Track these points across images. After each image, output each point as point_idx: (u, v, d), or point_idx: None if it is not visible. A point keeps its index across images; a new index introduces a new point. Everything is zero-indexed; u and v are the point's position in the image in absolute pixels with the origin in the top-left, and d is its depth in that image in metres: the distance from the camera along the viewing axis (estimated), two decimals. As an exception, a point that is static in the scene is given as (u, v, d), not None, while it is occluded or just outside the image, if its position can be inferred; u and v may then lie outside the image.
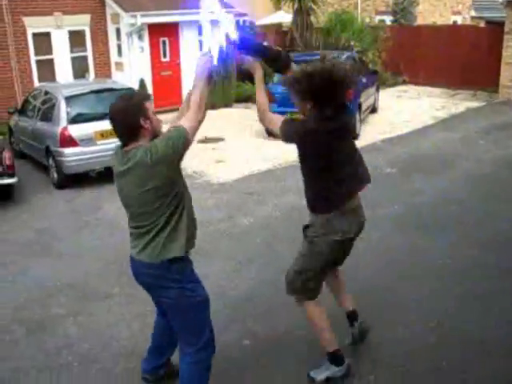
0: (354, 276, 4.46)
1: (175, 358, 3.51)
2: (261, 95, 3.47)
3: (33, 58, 13.37)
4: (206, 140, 11.10)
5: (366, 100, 12.11)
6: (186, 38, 14.55)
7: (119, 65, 14.30)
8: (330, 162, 3.34)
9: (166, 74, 14.51)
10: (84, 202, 8.00)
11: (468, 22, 25.25)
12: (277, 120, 3.45)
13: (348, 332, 3.93)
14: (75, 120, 8.52)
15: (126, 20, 13.36)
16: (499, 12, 17.42)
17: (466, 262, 5.38)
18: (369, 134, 11.52)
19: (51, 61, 13.64)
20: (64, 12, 13.44)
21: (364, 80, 12.22)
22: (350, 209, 3.44)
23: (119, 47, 14.17)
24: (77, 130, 8.39)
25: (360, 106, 11.34)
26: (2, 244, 6.54)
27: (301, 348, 4.03)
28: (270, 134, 11.57)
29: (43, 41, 13.41)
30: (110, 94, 8.61)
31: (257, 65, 3.44)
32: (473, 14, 25.71)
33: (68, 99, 8.67)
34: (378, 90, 14.23)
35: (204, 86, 3.11)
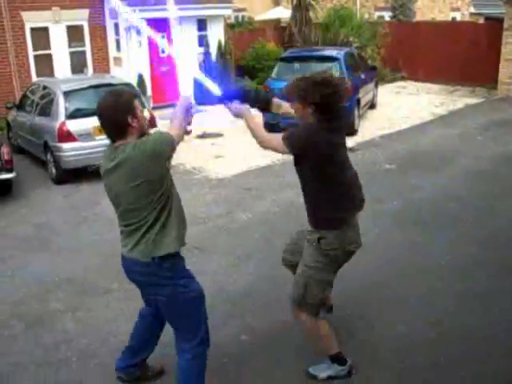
0: (353, 273, 4.46)
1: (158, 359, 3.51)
2: (255, 129, 3.45)
3: (31, 53, 13.32)
4: (204, 135, 11.10)
5: (364, 96, 12.10)
6: (185, 33, 14.50)
7: (118, 60, 14.26)
8: (336, 165, 3.37)
9: (165, 69, 14.48)
10: (82, 197, 7.99)
11: (467, 18, 25.22)
12: (276, 136, 3.42)
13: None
14: (73, 115, 8.49)
15: (125, 15, 13.31)
16: (498, 8, 17.40)
17: (466, 260, 5.38)
18: (367, 129, 11.53)
19: (49, 56, 13.60)
20: (62, 7, 13.38)
21: (363, 76, 12.22)
22: (355, 222, 3.50)
23: (118, 42, 14.14)
24: (75, 125, 8.37)
25: (359, 101, 11.34)
26: (0, 239, 6.53)
27: (299, 343, 4.03)
28: (269, 129, 11.58)
29: (41, 36, 13.37)
30: (108, 89, 8.54)
31: (243, 110, 3.48)
32: (472, 10, 25.68)
33: (66, 94, 8.64)
34: (376, 85, 14.22)
35: (182, 121, 3.14)
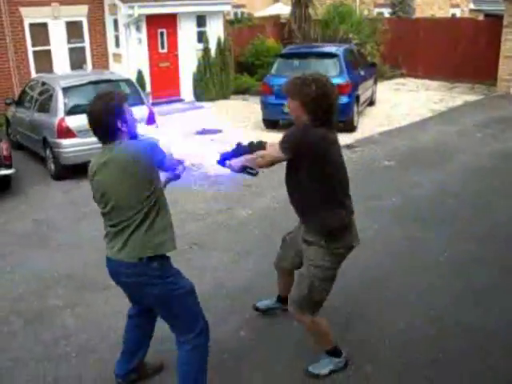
0: (352, 269, 4.46)
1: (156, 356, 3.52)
2: (262, 160, 3.65)
3: (30, 49, 13.27)
4: (204, 131, 11.09)
5: (363, 92, 12.10)
6: (184, 29, 14.48)
7: (117, 56, 14.23)
8: (335, 165, 3.38)
9: (164, 65, 14.44)
10: (82, 193, 7.97)
11: (467, 14, 25.19)
12: (273, 147, 3.51)
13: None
14: (73, 111, 8.47)
15: (124, 11, 13.28)
16: (498, 5, 17.36)
17: (464, 257, 5.39)
18: (367, 126, 11.53)
19: (48, 52, 13.55)
20: (61, 2, 13.34)
21: (362, 72, 12.22)
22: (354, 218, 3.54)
23: (117, 38, 14.09)
24: (74, 121, 8.34)
25: (358, 98, 11.34)
26: (-1, 235, 6.54)
27: (298, 338, 4.03)
28: (268, 125, 11.59)
29: (40, 31, 13.32)
30: (107, 85, 8.58)
31: (243, 162, 3.78)
32: (471, 6, 25.60)
33: (65, 90, 8.63)
34: (376, 82, 14.22)
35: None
